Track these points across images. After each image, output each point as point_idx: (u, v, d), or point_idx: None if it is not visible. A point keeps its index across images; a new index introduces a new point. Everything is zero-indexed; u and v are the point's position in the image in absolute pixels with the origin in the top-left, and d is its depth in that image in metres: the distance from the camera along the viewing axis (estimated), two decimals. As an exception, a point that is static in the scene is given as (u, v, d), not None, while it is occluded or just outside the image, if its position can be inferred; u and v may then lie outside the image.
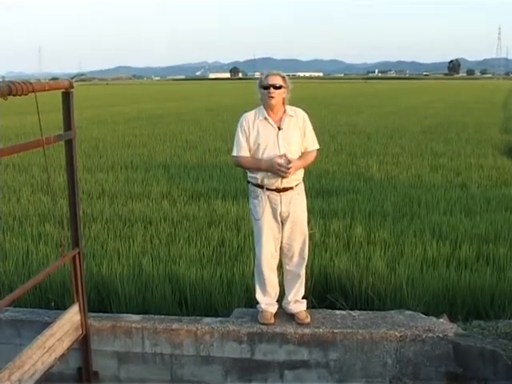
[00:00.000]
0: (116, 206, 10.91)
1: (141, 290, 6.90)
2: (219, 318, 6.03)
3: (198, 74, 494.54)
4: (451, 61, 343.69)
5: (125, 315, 6.19)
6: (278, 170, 5.49)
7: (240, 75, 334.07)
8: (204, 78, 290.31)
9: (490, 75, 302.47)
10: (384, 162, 15.90)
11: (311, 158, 5.83)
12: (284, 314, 5.96)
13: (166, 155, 17.72)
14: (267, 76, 5.63)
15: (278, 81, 5.60)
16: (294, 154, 5.66)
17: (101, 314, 6.22)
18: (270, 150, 5.61)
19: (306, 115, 5.79)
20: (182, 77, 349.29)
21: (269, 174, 5.60)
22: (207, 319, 6.01)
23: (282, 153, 5.57)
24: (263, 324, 5.80)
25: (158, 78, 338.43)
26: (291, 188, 5.72)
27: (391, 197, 11.43)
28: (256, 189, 5.71)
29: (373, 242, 8.54)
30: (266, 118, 5.65)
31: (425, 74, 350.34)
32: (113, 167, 15.59)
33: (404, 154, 17.47)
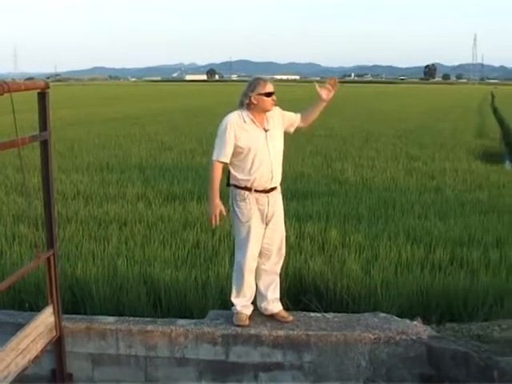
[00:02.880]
0: (91, 208, 10.87)
1: (115, 292, 6.87)
2: (194, 320, 6.01)
3: (174, 75, 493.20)
4: (427, 65, 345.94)
5: (99, 317, 6.15)
6: (210, 216, 5.79)
7: (216, 77, 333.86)
8: (180, 80, 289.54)
9: (465, 80, 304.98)
10: (359, 166, 16.00)
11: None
12: (259, 316, 5.95)
13: (141, 156, 17.68)
14: (266, 83, 5.67)
15: (273, 88, 5.70)
16: (279, 154, 5.80)
17: (75, 316, 6.18)
18: (260, 153, 5.67)
19: (279, 108, 5.89)
20: (158, 78, 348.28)
21: (261, 174, 5.66)
22: (182, 321, 5.99)
23: (271, 155, 5.68)
24: (238, 326, 5.79)
25: (134, 79, 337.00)
26: (276, 188, 5.81)
27: (366, 200, 11.50)
28: (243, 191, 5.72)
29: (347, 245, 8.58)
30: (253, 121, 5.69)
31: (401, 78, 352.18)
32: (88, 168, 15.53)
33: (379, 158, 17.59)
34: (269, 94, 5.64)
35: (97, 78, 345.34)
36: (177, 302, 6.78)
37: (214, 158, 5.72)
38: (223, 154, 5.67)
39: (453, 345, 5.36)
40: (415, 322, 5.89)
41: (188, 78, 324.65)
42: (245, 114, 5.70)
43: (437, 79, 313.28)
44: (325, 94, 5.84)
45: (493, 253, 8.10)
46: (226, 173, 5.82)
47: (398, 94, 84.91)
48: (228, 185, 5.85)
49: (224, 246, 8.45)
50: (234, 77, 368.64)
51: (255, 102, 5.65)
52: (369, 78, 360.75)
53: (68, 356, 5.89)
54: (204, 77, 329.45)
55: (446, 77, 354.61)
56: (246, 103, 5.68)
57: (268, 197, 5.76)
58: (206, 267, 7.58)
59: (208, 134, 23.70)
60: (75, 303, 6.83)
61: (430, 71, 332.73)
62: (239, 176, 5.73)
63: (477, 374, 5.09)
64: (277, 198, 5.85)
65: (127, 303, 6.72)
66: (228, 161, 5.71)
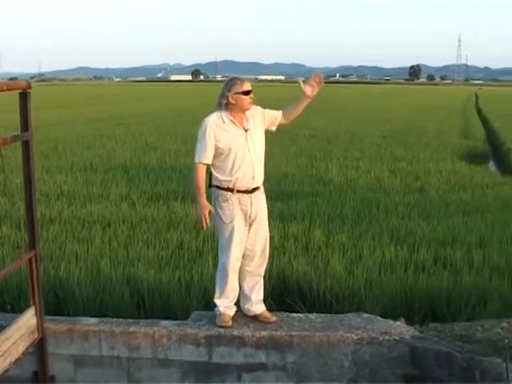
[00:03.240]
0: (74, 208, 10.83)
1: (98, 293, 6.85)
2: (177, 321, 5.98)
3: (159, 75, 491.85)
4: (412, 66, 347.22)
5: (82, 318, 6.11)
6: (200, 219, 5.68)
7: (202, 77, 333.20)
8: (165, 80, 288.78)
9: (449, 81, 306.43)
10: (344, 166, 16.03)
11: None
12: (242, 317, 5.93)
13: (125, 157, 17.64)
14: (243, 82, 5.68)
15: (250, 86, 5.71)
16: (260, 156, 5.78)
17: (57, 317, 6.13)
18: (241, 153, 5.66)
19: (260, 107, 5.89)
20: (143, 78, 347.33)
21: (243, 174, 5.65)
22: (164, 322, 5.95)
23: (252, 155, 5.67)
24: (221, 327, 5.76)
25: (118, 80, 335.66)
26: (258, 188, 5.80)
27: (350, 200, 11.52)
28: (225, 192, 5.70)
29: (331, 245, 8.59)
30: (232, 121, 5.68)
31: (386, 78, 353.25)
32: (72, 168, 15.48)
33: (364, 158, 17.64)
34: (246, 93, 5.64)
35: (81, 77, 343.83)
36: (160, 302, 6.77)
37: (196, 160, 5.71)
38: (205, 156, 5.66)
39: (436, 345, 5.37)
40: (398, 323, 5.91)
41: (173, 78, 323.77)
42: (224, 114, 5.69)
43: (421, 80, 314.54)
44: (309, 90, 5.82)
45: (476, 253, 8.13)
46: (208, 174, 5.81)
47: (383, 95, 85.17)
48: (210, 186, 5.82)
49: (208, 246, 8.43)
50: (219, 77, 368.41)
51: (233, 102, 5.63)
52: (354, 78, 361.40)
53: (50, 358, 5.85)
54: (189, 77, 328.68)
55: (430, 77, 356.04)
56: (224, 103, 5.67)
57: (251, 197, 5.75)
58: (190, 268, 7.56)
59: (192, 134, 23.48)
60: (58, 304, 6.79)
61: (414, 72, 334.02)
62: (221, 177, 5.71)
63: (459, 374, 5.10)
64: (260, 198, 5.84)
65: (110, 304, 6.70)
66: (210, 162, 5.70)
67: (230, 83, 5.68)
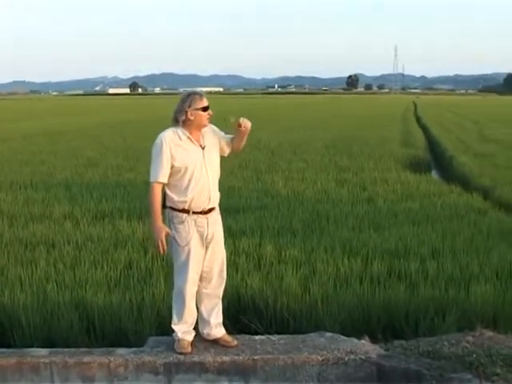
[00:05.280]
0: (16, 229, 10.41)
1: (46, 319, 6.52)
2: (133, 349, 5.72)
3: (97, 88, 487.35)
4: (349, 76, 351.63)
5: (31, 350, 5.78)
6: (156, 242, 5.43)
7: (140, 90, 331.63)
8: (103, 93, 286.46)
9: (387, 90, 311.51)
10: (290, 178, 15.91)
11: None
12: (201, 342, 5.72)
13: (66, 173, 17.16)
14: (201, 97, 5.50)
15: (207, 102, 5.55)
16: (216, 175, 5.65)
17: (4, 350, 5.80)
18: (197, 171, 5.48)
19: (212, 125, 5.74)
20: (81, 92, 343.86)
21: (199, 193, 5.46)
22: (120, 350, 5.69)
23: (208, 173, 5.50)
24: (180, 353, 5.54)
25: (55, 93, 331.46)
26: (214, 208, 5.63)
27: (299, 213, 11.40)
28: (180, 214, 5.49)
29: (284, 260, 8.44)
30: (189, 138, 5.49)
31: (324, 88, 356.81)
32: (11, 186, 14.95)
33: (309, 169, 17.57)
34: (205, 109, 5.47)
35: (17, 92, 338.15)
36: (111, 327, 6.50)
37: (152, 179, 5.46)
38: (161, 175, 5.42)
39: (403, 363, 5.27)
40: (363, 341, 5.78)
41: (111, 91, 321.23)
42: (180, 131, 5.48)
43: (359, 89, 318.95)
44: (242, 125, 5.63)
45: (430, 264, 8.08)
46: (163, 194, 5.58)
47: (322, 105, 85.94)
48: (164, 207, 5.58)
49: (157, 265, 8.19)
50: (158, 90, 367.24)
51: (192, 118, 5.44)
52: (292, 88, 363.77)
53: (-2, 394, 5.53)
54: (127, 90, 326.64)
55: (368, 87, 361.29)
56: (182, 120, 5.46)
57: (207, 218, 5.57)
58: (141, 288, 7.31)
59: (134, 149, 23.36)
60: (3, 333, 6.47)
61: (352, 82, 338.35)
62: (176, 197, 5.49)
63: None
64: (216, 218, 5.68)
65: (59, 331, 6.39)
66: (166, 181, 5.46)
67: (190, 98, 5.46)
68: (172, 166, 5.42)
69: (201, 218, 5.52)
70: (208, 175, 5.53)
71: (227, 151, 5.82)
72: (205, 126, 5.55)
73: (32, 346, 6.02)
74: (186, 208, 5.47)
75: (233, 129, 5.72)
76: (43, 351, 5.69)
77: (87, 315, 6.63)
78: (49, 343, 6.19)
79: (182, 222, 5.48)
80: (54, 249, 9.12)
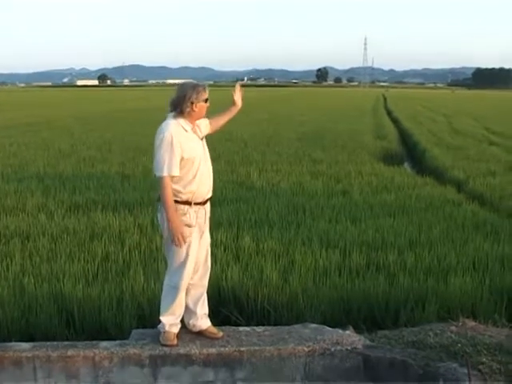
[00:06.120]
0: (-12, 221, 10.26)
1: (24, 313, 6.42)
2: (118, 342, 5.62)
3: (64, 80, 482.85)
4: (319, 69, 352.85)
5: (13, 344, 5.64)
6: (178, 237, 5.28)
7: (108, 82, 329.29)
8: (71, 85, 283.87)
9: (356, 83, 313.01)
10: (264, 170, 15.89)
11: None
12: (186, 334, 5.65)
13: (38, 165, 16.94)
14: (204, 89, 5.42)
15: None
16: (210, 163, 5.63)
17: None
18: (202, 162, 5.45)
19: None
20: (49, 83, 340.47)
21: (203, 184, 5.44)
22: (104, 343, 5.58)
23: (208, 164, 5.55)
24: (166, 345, 5.46)
25: (23, 85, 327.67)
26: (211, 197, 5.63)
27: (275, 205, 11.38)
28: (182, 206, 5.38)
29: (262, 252, 8.43)
30: (192, 130, 5.45)
31: (294, 81, 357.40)
32: (-18, 179, 14.75)
33: (283, 162, 17.56)
34: (207, 100, 5.44)
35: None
36: (91, 320, 6.42)
37: (165, 173, 5.26)
38: (174, 167, 5.26)
39: (389, 353, 5.27)
40: (348, 332, 5.77)
41: (79, 83, 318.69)
42: (182, 122, 5.38)
43: (329, 82, 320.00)
44: (239, 100, 5.91)
45: (408, 255, 8.16)
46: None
47: (293, 97, 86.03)
48: (159, 200, 5.48)
49: (135, 257, 8.15)
50: (127, 82, 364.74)
51: (196, 110, 5.38)
52: (262, 81, 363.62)
53: (-22, 389, 5.42)
54: (95, 82, 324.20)
55: (337, 80, 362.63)
56: (187, 111, 5.35)
57: (205, 208, 5.55)
58: (119, 281, 7.25)
59: (106, 140, 23.19)
60: (-20, 328, 6.35)
61: (322, 75, 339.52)
62: (181, 189, 5.36)
63: (416, 382, 5.01)
64: (209, 208, 5.65)
65: (38, 324, 6.29)
66: (179, 173, 5.32)
67: (196, 90, 5.35)
68: (182, 159, 5.29)
69: (200, 209, 5.48)
70: (208, 165, 5.54)
71: (207, 133, 5.81)
72: (203, 117, 5.56)
73: (11, 340, 5.91)
74: (189, 200, 5.39)
75: (232, 101, 5.93)
76: (25, 345, 5.56)
77: (66, 308, 6.55)
78: (28, 337, 6.10)
79: (184, 215, 5.38)
80: (28, 241, 9.00)
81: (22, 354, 5.38)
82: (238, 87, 5.95)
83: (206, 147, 5.62)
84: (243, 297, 6.84)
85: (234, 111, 6.01)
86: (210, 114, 5.78)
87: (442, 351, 5.26)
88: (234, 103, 5.93)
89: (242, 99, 6.00)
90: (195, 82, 5.54)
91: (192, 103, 5.32)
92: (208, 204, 5.61)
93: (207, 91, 5.45)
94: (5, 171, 15.77)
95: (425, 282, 7.26)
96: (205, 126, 5.72)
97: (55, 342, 5.68)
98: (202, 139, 5.54)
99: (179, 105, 5.35)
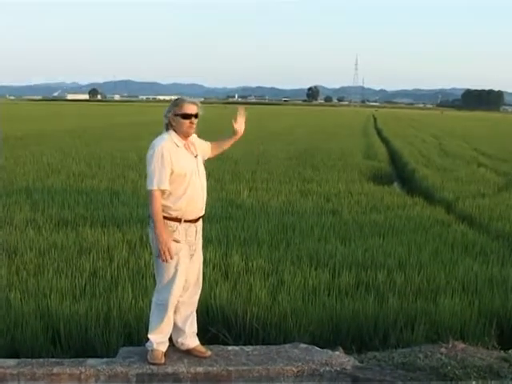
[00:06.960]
0: (-24, 235, 10.19)
1: (9, 328, 6.35)
2: (105, 359, 5.56)
3: (55, 94, 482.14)
4: (310, 88, 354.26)
5: (-3, 360, 5.60)
6: (164, 251, 5.24)
7: (99, 97, 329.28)
8: (62, 99, 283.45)
9: (347, 102, 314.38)
10: (254, 188, 15.88)
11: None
12: (174, 352, 5.60)
13: (27, 179, 16.87)
14: (183, 104, 5.37)
15: (195, 110, 5.42)
16: (205, 183, 5.65)
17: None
18: (194, 178, 5.43)
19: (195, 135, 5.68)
20: (39, 97, 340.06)
21: (194, 201, 5.41)
22: (91, 360, 5.52)
23: (201, 181, 5.52)
24: (153, 364, 5.40)
25: (12, 98, 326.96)
26: (202, 216, 5.59)
27: (265, 223, 11.35)
28: (172, 223, 5.36)
29: (251, 270, 8.39)
30: (184, 146, 5.44)
31: (284, 99, 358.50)
32: (-30, 192, 14.66)
33: (273, 180, 17.56)
34: (185, 116, 5.35)
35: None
36: (78, 337, 6.35)
37: (154, 186, 5.25)
38: (164, 181, 5.26)
39: (379, 375, 5.24)
40: (337, 352, 5.73)
41: (70, 97, 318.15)
42: (175, 138, 5.39)
43: (319, 101, 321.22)
44: (240, 128, 5.82)
45: (397, 276, 8.13)
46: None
47: (283, 116, 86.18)
48: (149, 216, 5.44)
49: (123, 274, 8.08)
50: (117, 97, 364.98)
51: (173, 124, 5.36)
52: (252, 99, 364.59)
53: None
54: (86, 96, 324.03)
55: (328, 99, 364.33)
56: (165, 123, 5.42)
57: (196, 226, 5.52)
58: (107, 297, 7.17)
59: (95, 156, 23.11)
60: (-35, 343, 6.27)
61: (312, 93, 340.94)
62: (171, 205, 5.35)
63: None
64: (200, 226, 5.62)
65: (23, 340, 6.23)
66: (169, 187, 5.30)
67: (173, 103, 5.41)
68: (171, 173, 5.28)
69: (191, 227, 5.44)
70: (201, 183, 5.52)
71: (208, 156, 5.80)
72: (187, 133, 5.44)
73: (-5, 356, 5.85)
74: (179, 216, 5.36)
75: (233, 129, 5.86)
76: (10, 361, 5.49)
77: (52, 324, 6.48)
78: (13, 353, 6.03)
79: (173, 231, 5.36)
80: (16, 256, 8.93)
81: (6, 371, 5.31)
82: (241, 112, 5.83)
83: (202, 166, 5.60)
84: (232, 315, 6.78)
85: (236, 138, 5.93)
86: (201, 132, 5.76)
87: (432, 373, 5.24)
88: (234, 133, 5.85)
89: (246, 120, 5.92)
90: (182, 97, 5.52)
91: (168, 117, 5.37)
92: (200, 222, 5.58)
93: (187, 107, 5.37)
94: (-7, 185, 15.68)
95: (414, 302, 7.25)
96: (204, 147, 5.73)
97: (41, 359, 5.61)
98: (195, 156, 5.49)
99: (164, 119, 5.43)
